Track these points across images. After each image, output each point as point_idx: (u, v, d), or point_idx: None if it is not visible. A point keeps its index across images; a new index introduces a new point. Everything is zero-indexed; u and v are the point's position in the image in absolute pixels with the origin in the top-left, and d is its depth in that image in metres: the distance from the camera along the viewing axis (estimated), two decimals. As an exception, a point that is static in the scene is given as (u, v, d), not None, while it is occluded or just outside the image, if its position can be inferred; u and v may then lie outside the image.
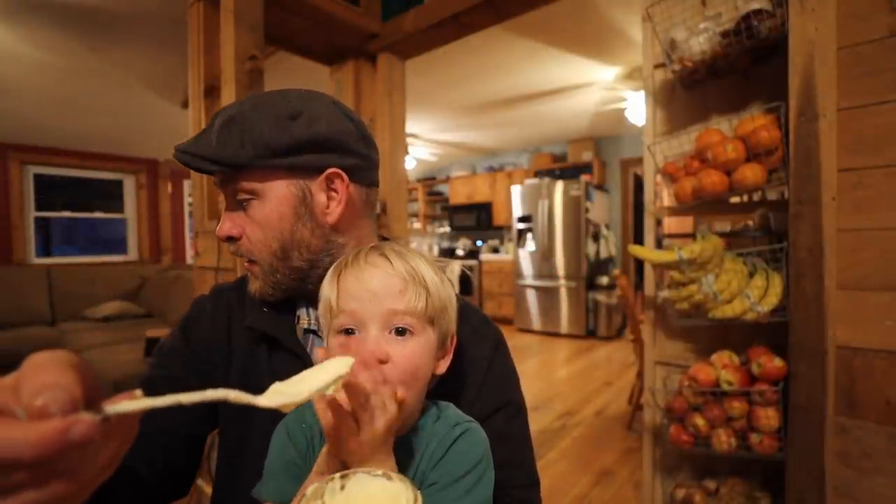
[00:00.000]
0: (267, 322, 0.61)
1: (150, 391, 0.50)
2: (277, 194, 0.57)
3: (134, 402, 0.26)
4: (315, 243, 0.59)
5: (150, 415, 0.42)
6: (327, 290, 0.50)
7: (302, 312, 0.63)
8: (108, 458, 0.26)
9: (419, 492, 0.37)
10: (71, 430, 0.22)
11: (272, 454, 0.50)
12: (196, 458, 0.62)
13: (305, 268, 0.59)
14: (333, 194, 0.59)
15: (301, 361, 0.59)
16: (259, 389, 0.59)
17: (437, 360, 0.51)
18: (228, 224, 0.59)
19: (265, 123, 0.55)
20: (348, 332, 0.48)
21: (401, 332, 0.47)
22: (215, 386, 0.60)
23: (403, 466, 0.46)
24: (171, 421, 0.57)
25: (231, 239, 0.59)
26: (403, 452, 0.47)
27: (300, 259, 0.59)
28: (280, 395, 0.36)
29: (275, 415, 0.54)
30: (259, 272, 0.59)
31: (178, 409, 0.52)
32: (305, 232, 0.58)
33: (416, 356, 0.47)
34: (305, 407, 0.50)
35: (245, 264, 0.61)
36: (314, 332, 0.62)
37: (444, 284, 0.52)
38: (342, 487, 0.38)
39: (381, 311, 0.46)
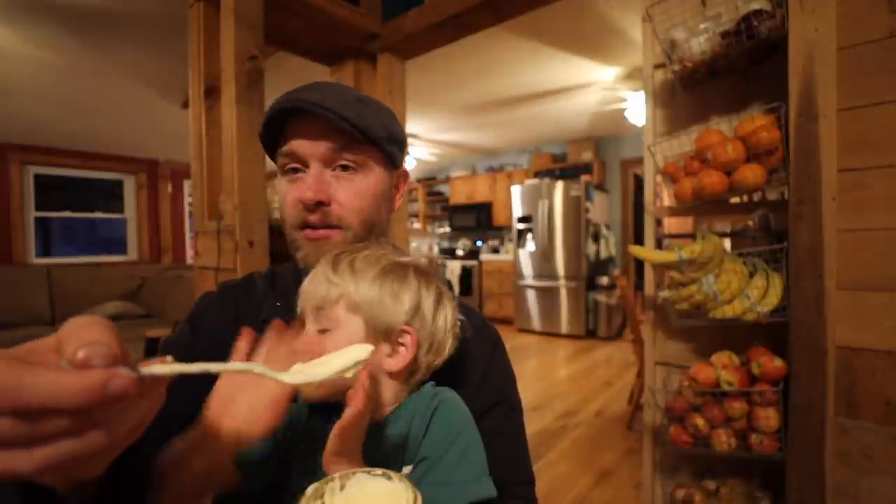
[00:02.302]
0: (279, 315, 0.61)
1: None
2: (379, 173, 0.63)
3: (166, 366, 0.28)
4: (385, 228, 0.65)
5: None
6: None
7: None
8: (138, 418, 0.27)
9: (418, 492, 0.37)
10: (112, 382, 0.24)
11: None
12: None
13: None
14: (400, 189, 0.67)
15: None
16: None
17: (385, 356, 0.51)
18: (317, 187, 0.59)
19: (384, 112, 0.63)
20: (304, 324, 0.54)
21: (324, 329, 0.52)
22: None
23: (397, 451, 0.47)
24: (173, 406, 0.55)
25: (319, 204, 0.59)
26: (391, 437, 0.48)
27: (375, 237, 0.63)
28: (302, 374, 0.38)
29: None
30: (340, 241, 0.61)
31: (180, 395, 0.52)
32: (385, 214, 0.65)
33: (334, 348, 0.49)
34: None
35: (322, 232, 0.61)
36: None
37: (380, 281, 0.52)
38: (342, 487, 0.39)
39: (307, 306, 0.53)
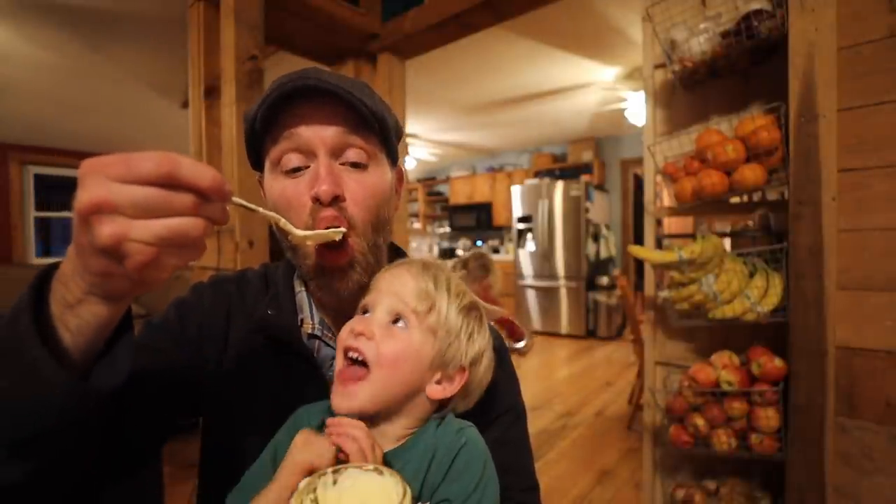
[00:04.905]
0: (274, 326, 0.59)
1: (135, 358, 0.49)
2: (385, 168, 0.58)
3: (243, 201, 0.39)
4: (390, 231, 0.60)
5: (134, 369, 0.43)
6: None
7: (306, 316, 0.61)
8: (202, 240, 0.34)
9: (408, 486, 0.37)
10: (227, 182, 0.34)
11: (264, 458, 0.49)
12: (153, 442, 0.55)
13: (381, 250, 0.58)
14: (399, 190, 0.62)
15: (311, 366, 0.57)
16: (257, 389, 0.58)
17: (434, 382, 0.51)
18: (332, 180, 0.52)
19: (386, 104, 0.58)
20: (364, 311, 0.53)
21: (400, 322, 0.51)
22: (204, 373, 0.58)
23: (417, 474, 0.46)
24: (151, 384, 0.51)
25: (335, 200, 0.52)
26: (409, 461, 0.47)
27: (384, 240, 0.58)
28: (312, 231, 0.51)
29: (273, 413, 0.53)
30: (356, 252, 0.54)
31: (157, 381, 0.52)
32: (391, 213, 0.59)
33: (401, 345, 0.50)
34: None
35: (341, 259, 0.54)
36: (318, 338, 0.60)
37: (465, 315, 0.53)
38: (334, 482, 0.39)
39: (387, 299, 0.52)
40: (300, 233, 0.48)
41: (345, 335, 0.51)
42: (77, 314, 0.35)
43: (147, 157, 0.31)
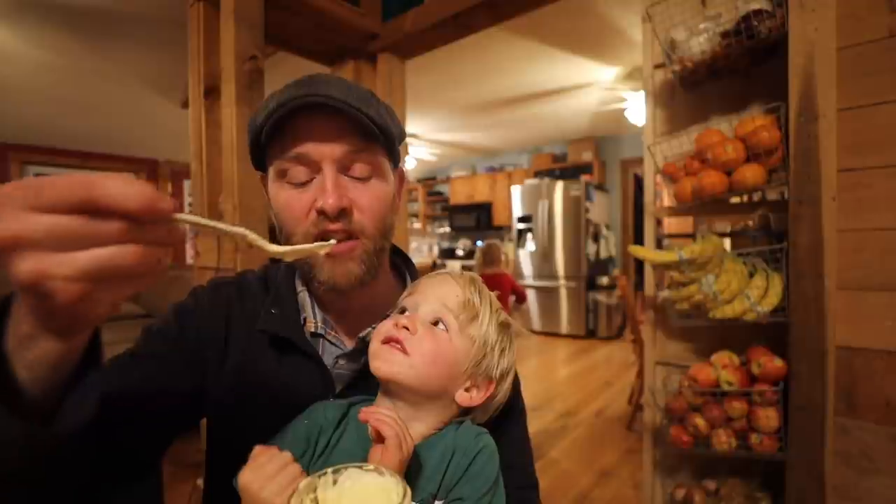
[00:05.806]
0: (278, 324, 0.59)
1: (133, 366, 0.51)
2: (389, 175, 0.59)
3: (195, 218, 0.32)
4: (393, 233, 0.61)
5: (132, 378, 0.44)
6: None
7: (308, 315, 0.61)
8: (150, 264, 0.29)
9: (408, 487, 0.37)
10: (163, 199, 0.28)
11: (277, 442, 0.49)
12: (157, 448, 0.56)
13: (385, 251, 0.60)
14: (400, 191, 0.63)
15: (315, 363, 0.58)
16: (261, 388, 0.58)
17: (463, 389, 0.54)
18: (339, 193, 0.52)
19: (389, 108, 0.59)
20: (402, 310, 0.56)
21: (440, 325, 0.54)
22: (206, 377, 0.58)
23: (432, 472, 0.48)
24: (151, 392, 0.52)
25: (343, 212, 0.53)
26: (430, 459, 0.49)
27: (389, 243, 0.61)
28: (287, 247, 0.44)
29: (278, 410, 0.53)
30: (361, 251, 0.55)
31: (161, 385, 0.52)
32: (394, 219, 0.61)
33: (442, 345, 0.52)
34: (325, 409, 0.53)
35: (344, 246, 0.54)
36: (321, 336, 0.61)
37: (500, 330, 0.56)
38: (335, 482, 0.39)
39: (431, 301, 0.54)
40: (275, 248, 0.42)
41: (388, 326, 0.52)
42: (28, 349, 0.32)
43: (58, 182, 0.26)
